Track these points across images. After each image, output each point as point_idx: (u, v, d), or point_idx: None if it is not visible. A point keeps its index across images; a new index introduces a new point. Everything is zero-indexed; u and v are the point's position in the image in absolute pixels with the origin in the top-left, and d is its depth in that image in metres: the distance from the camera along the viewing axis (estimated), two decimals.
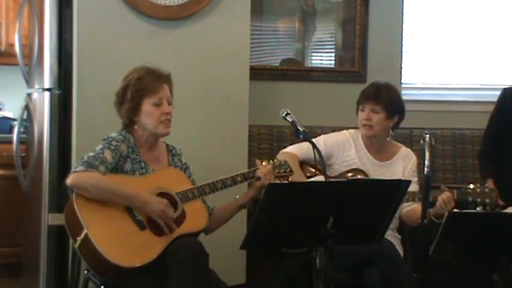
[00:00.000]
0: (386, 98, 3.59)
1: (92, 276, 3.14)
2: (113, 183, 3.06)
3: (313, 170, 3.61)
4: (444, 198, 3.34)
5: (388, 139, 3.66)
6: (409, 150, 3.75)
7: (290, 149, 3.67)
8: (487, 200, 3.36)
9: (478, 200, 3.37)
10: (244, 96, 4.18)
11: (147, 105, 3.19)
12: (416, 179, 3.62)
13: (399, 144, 3.77)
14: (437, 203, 3.33)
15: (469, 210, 3.34)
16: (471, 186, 3.41)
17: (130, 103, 3.18)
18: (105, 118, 3.49)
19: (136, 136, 3.23)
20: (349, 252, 3.13)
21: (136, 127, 3.21)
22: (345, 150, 3.66)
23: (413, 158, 3.70)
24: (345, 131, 3.74)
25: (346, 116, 3.85)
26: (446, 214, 2.93)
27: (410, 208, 3.52)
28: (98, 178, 3.02)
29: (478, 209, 3.37)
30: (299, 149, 3.62)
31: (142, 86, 3.18)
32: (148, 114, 3.19)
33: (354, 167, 3.63)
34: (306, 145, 3.57)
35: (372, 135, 3.63)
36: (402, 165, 3.66)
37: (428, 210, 3.01)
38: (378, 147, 3.68)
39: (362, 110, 3.63)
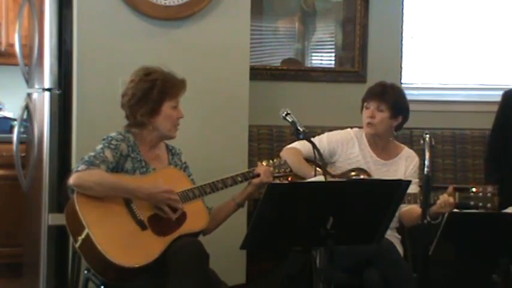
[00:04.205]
0: (392, 98, 3.60)
1: (92, 276, 3.14)
2: (116, 179, 3.07)
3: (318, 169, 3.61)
4: (444, 200, 3.33)
5: (391, 139, 3.68)
6: (411, 151, 3.76)
7: (295, 145, 3.67)
8: (489, 205, 3.37)
9: (480, 204, 3.37)
10: (244, 96, 4.18)
11: (167, 108, 3.20)
12: (417, 180, 3.62)
13: (402, 144, 3.79)
14: (437, 203, 3.33)
15: (468, 210, 3.34)
16: (473, 189, 3.40)
17: (153, 104, 3.17)
18: (105, 118, 3.50)
19: (139, 135, 3.23)
20: (349, 252, 3.14)
21: (150, 127, 3.21)
22: (349, 147, 3.67)
23: (415, 159, 3.70)
24: (349, 129, 3.76)
25: (346, 116, 3.86)
26: (446, 214, 2.93)
27: (407, 208, 3.52)
28: (100, 175, 3.03)
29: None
30: (302, 145, 3.62)
31: (167, 89, 3.19)
32: (167, 117, 3.20)
33: (357, 165, 3.64)
34: (308, 143, 3.58)
35: (374, 134, 3.64)
36: (404, 165, 3.68)
37: (428, 209, 3.01)
38: (381, 146, 3.69)
39: (367, 108, 3.64)
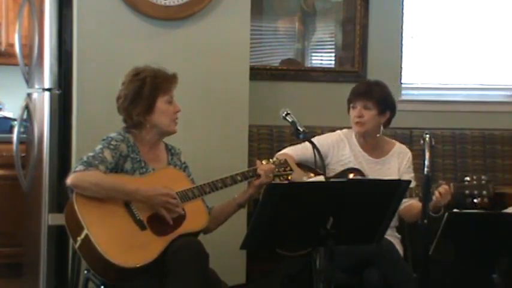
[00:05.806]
0: (378, 94, 3.61)
1: (92, 276, 3.14)
2: (113, 180, 3.06)
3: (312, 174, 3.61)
4: (441, 191, 3.35)
5: (378, 135, 3.67)
6: (403, 146, 3.76)
7: (286, 150, 3.68)
8: (484, 192, 3.38)
9: (475, 192, 3.39)
10: (244, 96, 4.18)
11: (161, 104, 3.19)
12: (412, 174, 3.63)
13: (393, 140, 3.78)
14: (434, 197, 3.34)
15: (468, 210, 3.33)
16: (467, 178, 3.41)
17: (146, 101, 3.17)
18: (105, 118, 3.49)
19: (139, 136, 3.22)
20: (349, 252, 3.14)
21: (148, 126, 3.21)
22: (340, 149, 3.68)
23: (408, 154, 3.71)
24: (338, 131, 3.76)
25: (346, 116, 3.84)
26: (446, 214, 2.93)
27: (407, 204, 3.52)
28: (98, 176, 3.03)
29: (475, 200, 3.38)
30: (294, 151, 3.64)
31: (158, 85, 3.19)
32: (163, 112, 3.19)
33: (350, 165, 3.64)
34: (301, 147, 3.59)
35: (364, 132, 3.64)
36: (397, 162, 3.68)
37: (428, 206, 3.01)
38: (371, 144, 3.69)
39: (353, 108, 3.65)
